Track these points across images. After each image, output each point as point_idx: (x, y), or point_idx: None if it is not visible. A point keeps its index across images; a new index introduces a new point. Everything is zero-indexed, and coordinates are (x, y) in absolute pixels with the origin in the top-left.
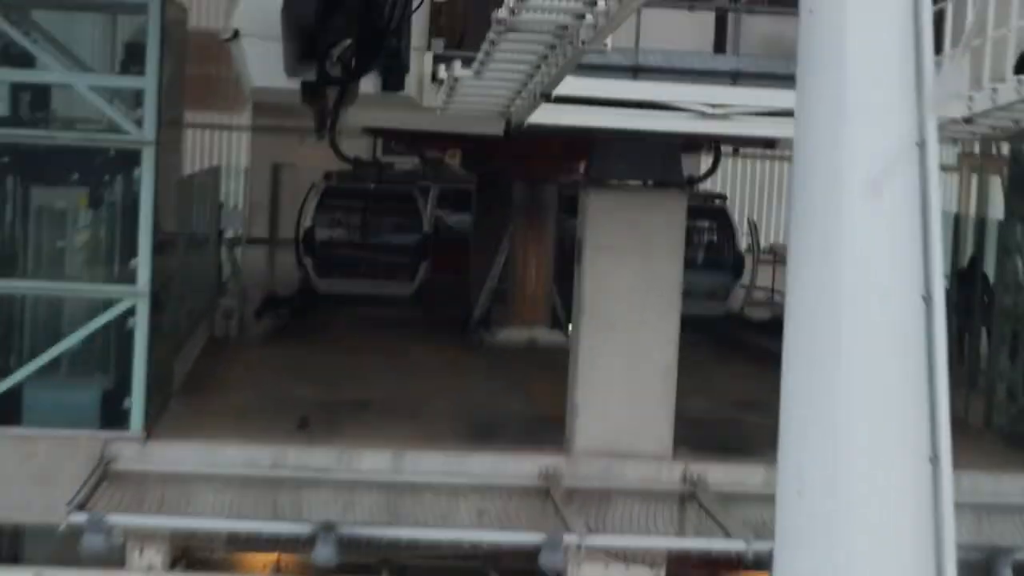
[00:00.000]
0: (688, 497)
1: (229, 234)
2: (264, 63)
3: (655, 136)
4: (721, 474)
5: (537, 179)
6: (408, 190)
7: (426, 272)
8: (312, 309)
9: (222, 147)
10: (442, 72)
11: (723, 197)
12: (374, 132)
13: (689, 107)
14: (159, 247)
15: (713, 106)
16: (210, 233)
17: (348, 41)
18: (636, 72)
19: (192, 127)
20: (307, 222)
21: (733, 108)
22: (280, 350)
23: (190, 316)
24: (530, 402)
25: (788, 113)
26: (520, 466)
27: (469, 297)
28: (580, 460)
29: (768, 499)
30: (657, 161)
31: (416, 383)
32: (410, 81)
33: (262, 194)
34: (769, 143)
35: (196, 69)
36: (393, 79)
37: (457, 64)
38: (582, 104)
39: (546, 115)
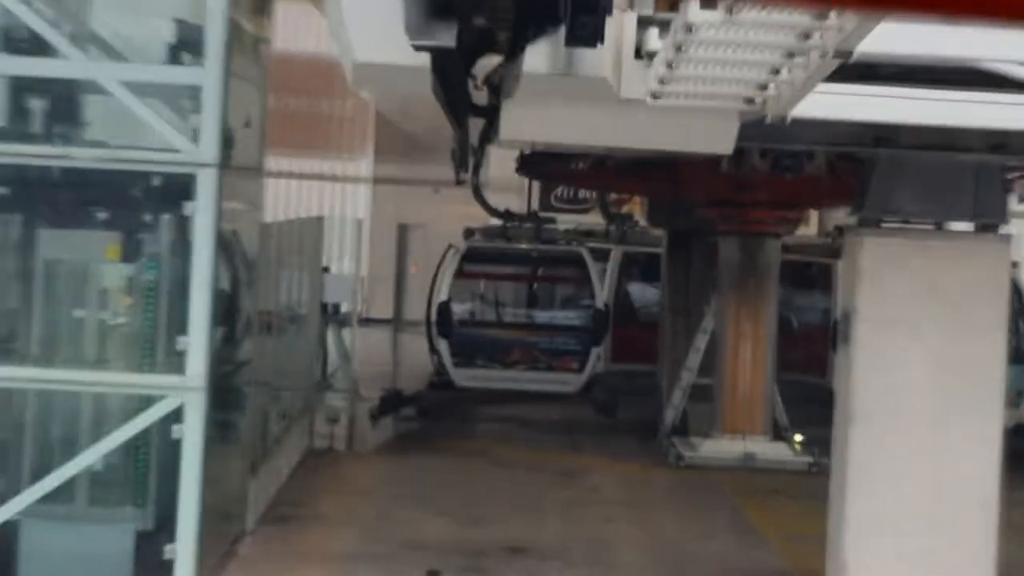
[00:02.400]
0: None
1: (342, 310)
2: (374, 21)
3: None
4: None
5: (753, 232)
6: (576, 252)
7: (601, 361)
8: (448, 410)
9: (333, 204)
10: (654, 40)
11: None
12: (530, 169)
13: None
14: (226, 321)
15: None
16: (309, 307)
17: (497, 60)
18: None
19: (293, 177)
20: (442, 294)
21: None
22: (403, 468)
23: (277, 421)
24: (765, 549)
25: None
26: None
27: (659, 395)
28: None
29: None
30: (968, 191)
31: (592, 517)
32: (601, 57)
33: (385, 262)
34: None
35: (300, 103)
36: (585, 26)
37: (693, 5)
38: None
39: (824, 105)
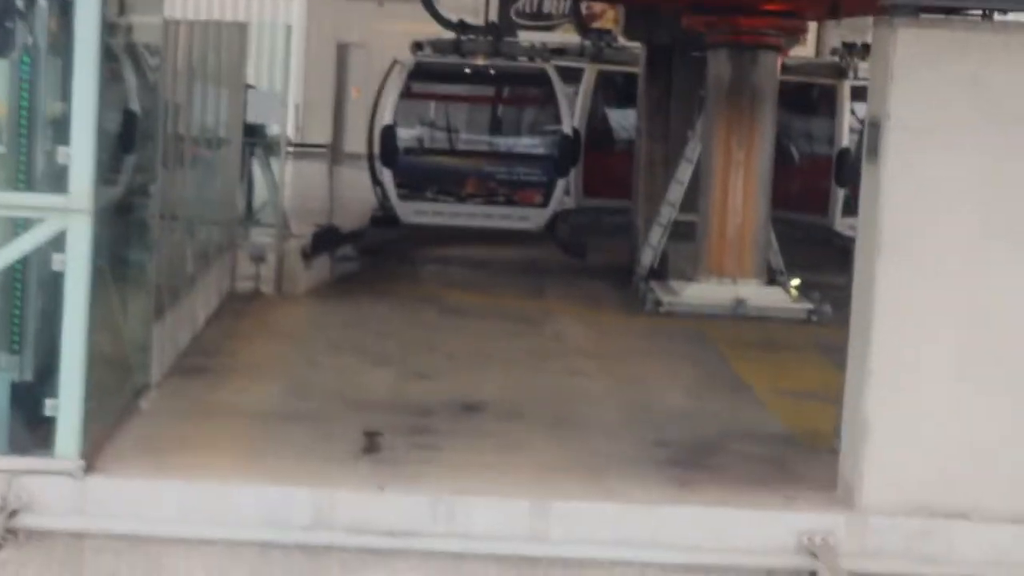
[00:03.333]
0: None
1: (270, 133)
2: None
3: None
4: None
5: (747, 43)
6: (540, 70)
7: (571, 195)
8: (392, 249)
9: (261, 19)
10: None
11: None
12: None
13: None
14: (124, 133)
15: None
16: (230, 128)
17: None
18: None
19: None
20: (386, 117)
21: None
22: (338, 314)
23: (192, 258)
24: (763, 409)
25: None
26: (761, 528)
27: (634, 234)
28: (873, 521)
29: None
30: None
31: (557, 370)
32: None
33: (322, 86)
34: None
35: None
36: None
37: None
38: None
39: None
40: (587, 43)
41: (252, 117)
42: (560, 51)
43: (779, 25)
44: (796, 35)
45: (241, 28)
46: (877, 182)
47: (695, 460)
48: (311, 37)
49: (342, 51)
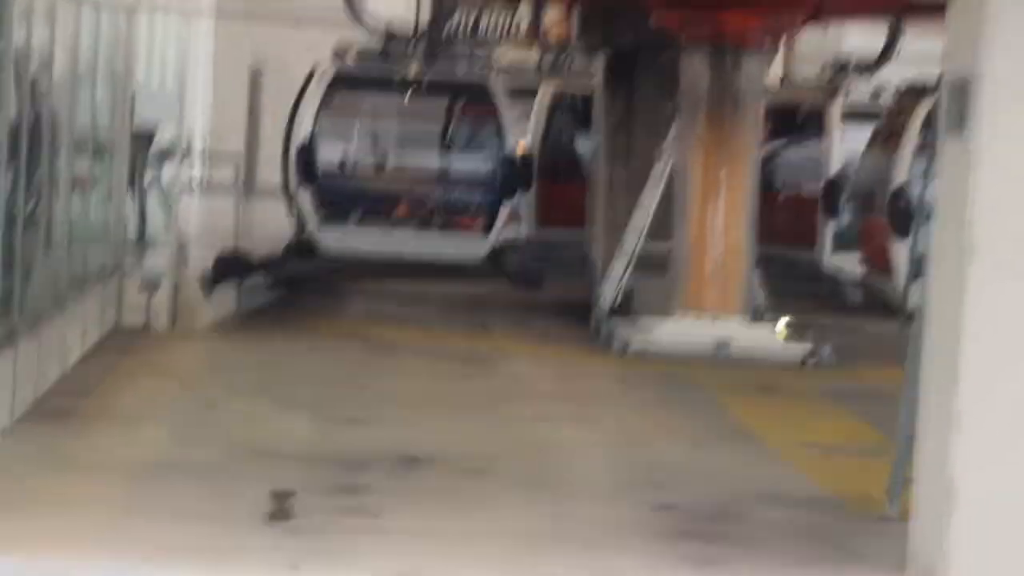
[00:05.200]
0: None
1: (163, 140)
2: None
3: None
4: None
5: (731, 43)
6: (479, 82)
7: (516, 222)
8: (310, 282)
9: (165, 46)
10: None
11: None
12: None
13: None
14: None
15: None
16: (113, 130)
17: None
18: None
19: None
20: (304, 132)
21: None
22: (244, 352)
23: (59, 281)
24: (783, 466)
25: None
26: None
27: (591, 267)
28: None
29: None
30: None
31: (521, 418)
32: None
33: (233, 115)
34: None
35: None
36: None
37: None
38: None
39: None
40: (545, 59)
41: (143, 118)
42: (516, 70)
43: (766, 22)
44: (779, 37)
45: (128, 13)
46: (965, 161)
47: (712, 531)
48: (223, 63)
49: (256, 75)
